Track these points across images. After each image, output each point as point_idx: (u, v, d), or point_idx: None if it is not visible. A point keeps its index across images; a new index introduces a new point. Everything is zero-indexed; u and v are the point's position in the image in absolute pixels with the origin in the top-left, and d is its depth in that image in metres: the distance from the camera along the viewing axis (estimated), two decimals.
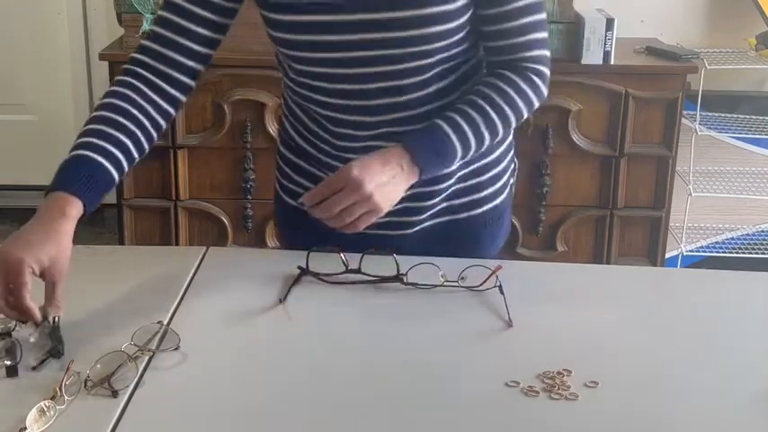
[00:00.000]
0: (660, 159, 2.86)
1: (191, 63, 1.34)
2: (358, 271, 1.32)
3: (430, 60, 1.31)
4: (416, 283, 1.32)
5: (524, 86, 1.33)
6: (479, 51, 1.39)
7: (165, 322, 1.20)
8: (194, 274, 1.36)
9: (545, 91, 1.36)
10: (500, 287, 1.28)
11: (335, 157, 1.41)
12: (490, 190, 1.48)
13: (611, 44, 2.76)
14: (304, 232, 1.41)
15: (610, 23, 2.74)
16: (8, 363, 1.09)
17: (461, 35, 1.32)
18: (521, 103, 1.33)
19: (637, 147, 2.84)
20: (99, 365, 1.06)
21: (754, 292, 1.37)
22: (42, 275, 1.13)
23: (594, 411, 1.05)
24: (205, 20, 1.33)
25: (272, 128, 2.77)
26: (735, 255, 3.18)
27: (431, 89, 1.34)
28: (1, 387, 1.06)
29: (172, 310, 1.25)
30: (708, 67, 2.84)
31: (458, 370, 1.13)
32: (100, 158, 1.23)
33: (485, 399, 1.07)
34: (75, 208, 1.18)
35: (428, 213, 1.44)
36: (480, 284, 1.30)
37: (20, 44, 3.57)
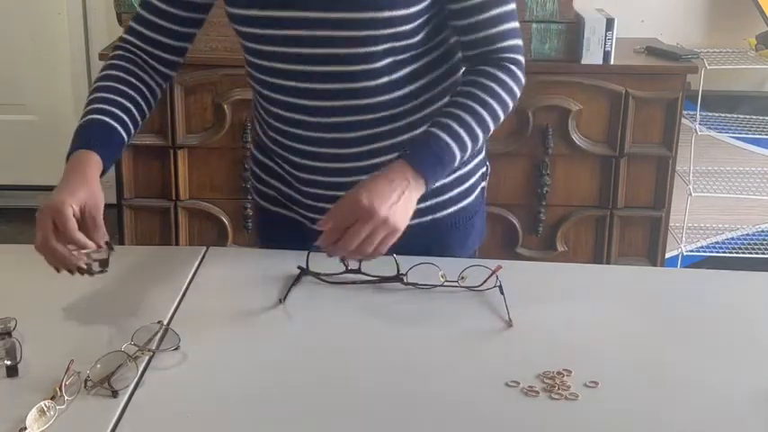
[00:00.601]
0: (660, 159, 2.86)
1: (175, 43, 1.42)
2: (358, 271, 1.32)
3: (377, 48, 1.32)
4: (416, 283, 1.32)
5: (506, 78, 1.34)
6: (436, 52, 1.40)
7: (165, 322, 1.20)
8: (194, 274, 1.37)
9: (523, 79, 1.37)
10: (500, 287, 1.28)
11: (290, 149, 1.41)
12: (456, 191, 1.47)
13: (611, 44, 2.76)
14: (279, 235, 1.42)
15: (610, 23, 2.74)
16: (8, 363, 1.09)
17: (412, 26, 1.32)
18: (505, 96, 1.34)
19: (637, 147, 2.84)
20: (99, 365, 1.06)
21: (754, 292, 1.37)
22: (82, 215, 1.21)
23: (594, 411, 1.05)
24: (185, 2, 1.39)
25: None
26: (735, 255, 3.18)
27: (381, 81, 1.35)
28: (1, 387, 1.06)
29: (172, 310, 1.25)
30: (708, 67, 2.84)
31: (458, 370, 1.13)
32: (111, 122, 1.33)
33: (485, 399, 1.07)
34: (96, 161, 1.28)
35: None
36: (480, 284, 1.31)
37: (20, 44, 3.57)
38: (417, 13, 1.32)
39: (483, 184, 1.53)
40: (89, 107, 1.34)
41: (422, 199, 1.42)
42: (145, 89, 1.40)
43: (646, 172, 2.88)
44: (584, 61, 2.77)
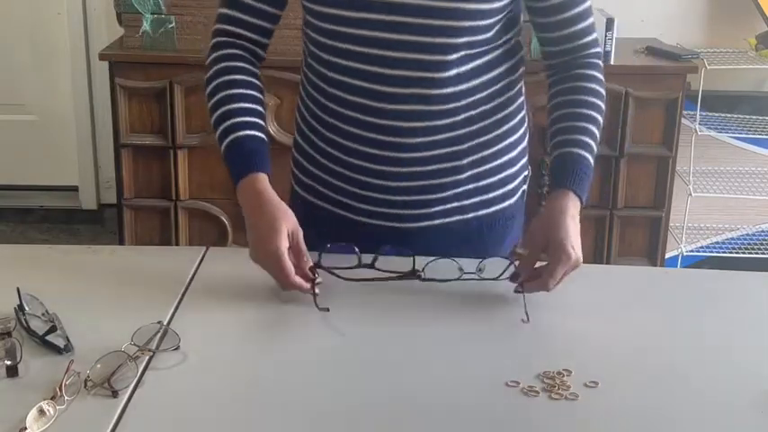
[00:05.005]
0: (660, 159, 2.86)
1: (267, 25, 1.45)
2: (371, 266, 1.32)
3: (455, 40, 1.34)
4: (434, 278, 1.31)
5: (599, 75, 1.43)
6: (502, 49, 1.42)
7: (165, 322, 1.20)
8: (194, 274, 1.36)
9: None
10: (518, 283, 1.30)
11: (344, 132, 1.41)
12: (500, 192, 1.49)
13: (612, 44, 2.76)
14: (317, 232, 1.41)
15: (610, 23, 2.74)
16: (8, 363, 1.09)
17: (490, 21, 1.35)
18: (603, 91, 1.43)
19: (637, 147, 2.84)
20: (99, 365, 1.06)
21: (754, 292, 1.37)
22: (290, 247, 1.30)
23: (594, 411, 1.05)
24: None
25: (272, 127, 2.76)
26: (735, 255, 3.18)
27: (450, 73, 1.36)
28: (1, 387, 1.06)
29: (172, 310, 1.25)
30: (708, 67, 2.84)
31: (458, 370, 1.13)
32: (260, 134, 1.39)
33: (485, 399, 1.07)
34: (267, 182, 1.35)
35: (437, 208, 1.44)
36: (500, 275, 1.32)
37: (20, 44, 3.57)
38: (499, 9, 1.35)
39: (524, 187, 1.54)
40: (231, 120, 1.41)
41: (466, 196, 1.45)
42: (260, 84, 1.44)
43: (646, 172, 2.88)
44: None
